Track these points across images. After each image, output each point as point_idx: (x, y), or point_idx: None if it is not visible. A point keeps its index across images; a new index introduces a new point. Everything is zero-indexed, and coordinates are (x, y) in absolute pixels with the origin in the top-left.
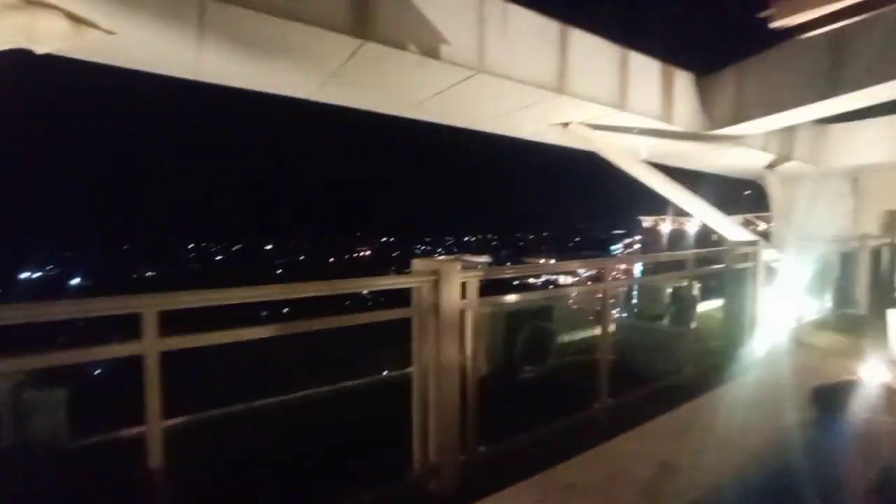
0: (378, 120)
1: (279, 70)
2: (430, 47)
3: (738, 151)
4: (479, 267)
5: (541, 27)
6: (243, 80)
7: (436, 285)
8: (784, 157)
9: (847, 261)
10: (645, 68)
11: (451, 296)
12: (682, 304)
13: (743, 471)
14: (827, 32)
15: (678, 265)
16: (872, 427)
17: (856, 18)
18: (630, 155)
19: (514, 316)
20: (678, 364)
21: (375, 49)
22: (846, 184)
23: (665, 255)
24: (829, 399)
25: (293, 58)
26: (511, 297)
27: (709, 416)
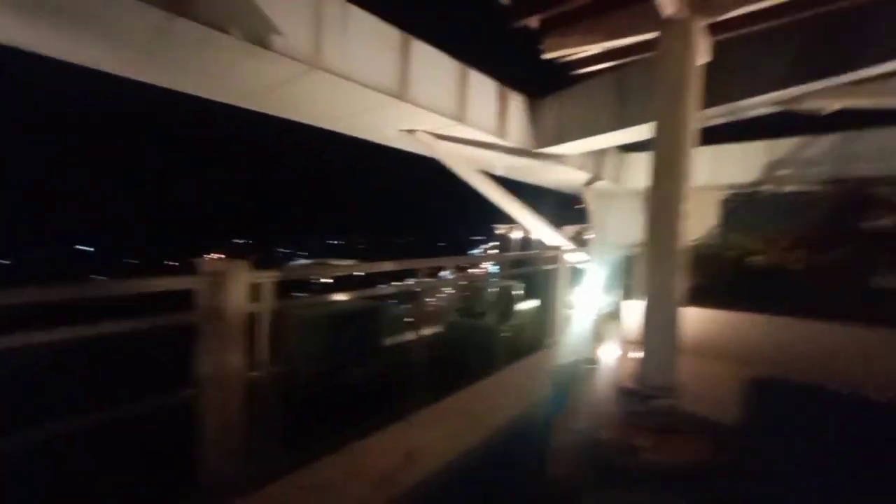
0: (233, 110)
1: (71, 36)
2: (259, 36)
3: (562, 169)
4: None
5: (382, 32)
6: (22, 40)
7: (218, 287)
8: (596, 177)
9: (632, 263)
10: (483, 85)
11: (237, 298)
12: (504, 303)
13: (475, 449)
14: (614, 73)
15: (501, 266)
16: (590, 398)
17: (623, 60)
18: (470, 165)
19: (336, 318)
20: (494, 358)
21: (191, 28)
22: (640, 202)
23: (473, 258)
24: (566, 376)
25: (83, 23)
26: (322, 299)
27: (474, 400)
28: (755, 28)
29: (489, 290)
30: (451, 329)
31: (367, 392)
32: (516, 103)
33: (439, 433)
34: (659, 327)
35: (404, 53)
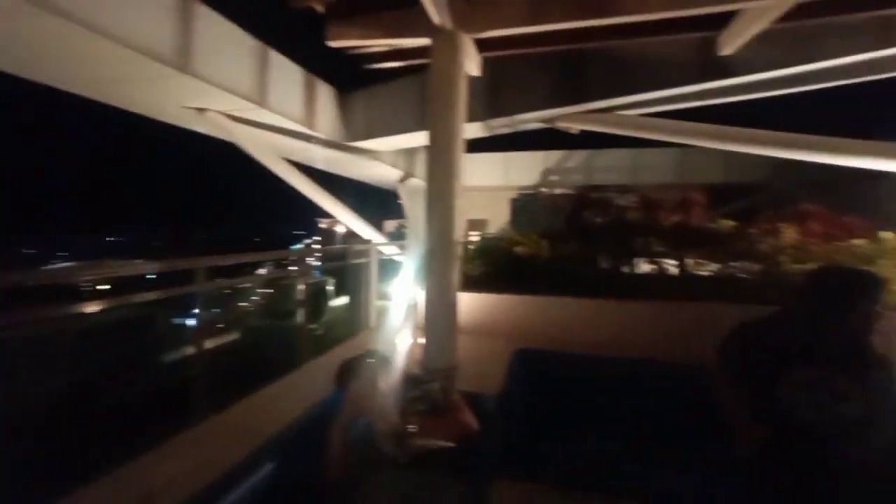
0: None
1: None
2: None
3: (377, 165)
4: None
5: None
6: None
7: None
8: (409, 174)
9: None
10: (287, 70)
11: None
12: (315, 301)
13: (237, 470)
14: (418, 75)
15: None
16: (375, 389)
17: (416, 62)
18: (278, 154)
19: (78, 335)
20: (297, 360)
21: None
22: None
23: (265, 254)
24: (353, 370)
25: None
26: (60, 311)
27: (250, 412)
28: (521, 52)
29: (299, 287)
30: (251, 334)
31: (118, 421)
32: (326, 94)
33: (197, 457)
34: (438, 314)
35: (184, 17)
